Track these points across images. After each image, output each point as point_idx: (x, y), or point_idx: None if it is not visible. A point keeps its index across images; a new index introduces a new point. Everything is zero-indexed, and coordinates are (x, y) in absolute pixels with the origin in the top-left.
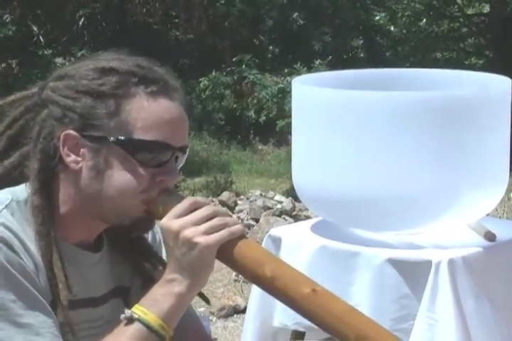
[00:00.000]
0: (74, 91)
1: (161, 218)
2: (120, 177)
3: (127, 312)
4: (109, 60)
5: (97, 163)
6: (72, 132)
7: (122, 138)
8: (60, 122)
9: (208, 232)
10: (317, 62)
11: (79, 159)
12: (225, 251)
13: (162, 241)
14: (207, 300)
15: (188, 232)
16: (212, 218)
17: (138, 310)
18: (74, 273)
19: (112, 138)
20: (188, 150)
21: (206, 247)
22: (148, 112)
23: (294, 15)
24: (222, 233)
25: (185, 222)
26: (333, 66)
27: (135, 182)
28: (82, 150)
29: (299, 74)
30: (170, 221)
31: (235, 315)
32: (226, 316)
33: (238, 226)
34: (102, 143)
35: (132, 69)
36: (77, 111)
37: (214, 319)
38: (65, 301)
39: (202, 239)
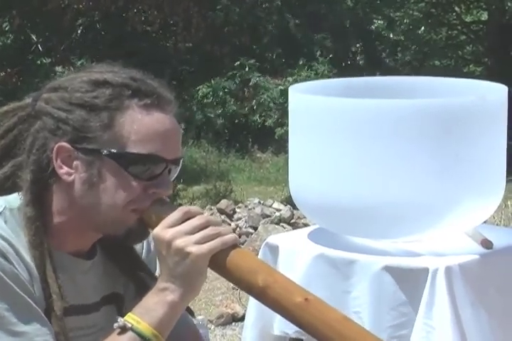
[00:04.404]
0: (67, 103)
1: (154, 227)
2: (113, 190)
3: (120, 320)
4: (102, 72)
5: (90, 176)
6: (65, 144)
7: (115, 151)
8: (54, 134)
9: (201, 242)
10: (318, 60)
11: (72, 171)
12: (218, 261)
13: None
14: (191, 312)
15: (180, 242)
16: (205, 227)
17: (131, 318)
18: (67, 281)
19: (105, 151)
20: (181, 161)
21: (198, 257)
22: (142, 125)
23: (292, 23)
24: (215, 242)
25: (178, 232)
26: (332, 66)
27: (127, 195)
28: (75, 162)
29: (300, 74)
30: (162, 230)
31: (234, 323)
32: (224, 324)
33: (231, 236)
34: (95, 156)
35: (126, 82)
36: (71, 124)
37: (212, 327)
38: (59, 311)
39: (194, 249)
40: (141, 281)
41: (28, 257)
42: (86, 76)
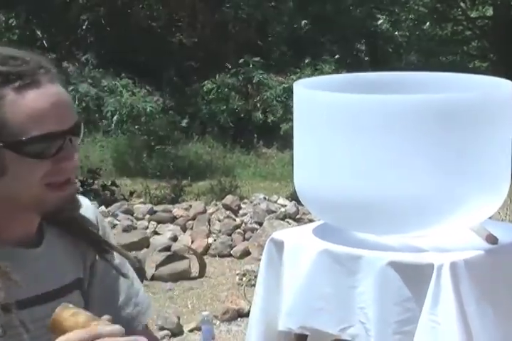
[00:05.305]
0: None
1: (55, 334)
2: (22, 174)
3: None
4: None
5: None
6: None
7: (8, 140)
8: None
9: None
10: (323, 59)
11: None
12: None
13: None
14: (143, 276)
15: None
16: None
17: None
18: (16, 272)
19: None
20: (81, 126)
21: None
22: (23, 108)
23: (303, 23)
24: None
25: None
26: (338, 65)
27: (37, 175)
28: None
29: (304, 73)
30: None
31: (239, 319)
32: (230, 320)
33: None
34: None
35: None
36: None
37: (218, 323)
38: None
39: None
40: (101, 248)
41: None
42: None
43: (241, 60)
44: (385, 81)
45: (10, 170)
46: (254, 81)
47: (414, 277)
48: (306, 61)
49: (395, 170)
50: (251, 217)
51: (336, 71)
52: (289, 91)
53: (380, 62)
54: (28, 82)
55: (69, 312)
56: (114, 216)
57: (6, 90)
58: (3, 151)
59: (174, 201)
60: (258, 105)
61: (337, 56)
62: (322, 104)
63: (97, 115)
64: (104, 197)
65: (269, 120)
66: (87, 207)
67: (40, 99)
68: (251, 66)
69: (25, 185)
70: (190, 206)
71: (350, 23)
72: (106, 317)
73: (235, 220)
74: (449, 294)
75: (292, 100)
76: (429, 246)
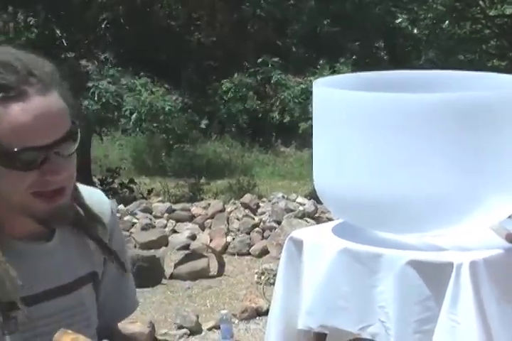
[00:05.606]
0: None
1: None
2: (8, 184)
3: None
4: None
5: None
6: None
7: None
8: None
9: None
10: (341, 60)
11: None
12: None
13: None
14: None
15: None
16: None
17: None
18: (27, 268)
19: None
20: (73, 138)
21: None
22: (5, 123)
23: (325, 22)
24: None
25: None
26: (355, 66)
27: (23, 185)
28: None
29: (322, 74)
30: None
31: (257, 318)
32: (248, 318)
33: None
34: None
35: None
36: None
37: (236, 321)
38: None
39: None
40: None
41: None
42: None
43: (259, 60)
44: (403, 79)
45: None
46: (272, 81)
47: (434, 276)
48: (324, 61)
49: (413, 168)
50: (269, 216)
51: (354, 68)
52: (306, 92)
53: (398, 60)
54: (13, 94)
55: (68, 338)
56: (133, 214)
57: None
58: None
59: (193, 199)
60: (275, 106)
61: (354, 57)
62: (341, 103)
63: (116, 113)
64: (123, 196)
65: (285, 120)
66: (102, 202)
67: (23, 113)
68: (269, 66)
69: (13, 191)
70: (209, 204)
71: (369, 20)
72: None
73: (253, 219)
74: (468, 293)
75: (310, 101)
76: (448, 245)
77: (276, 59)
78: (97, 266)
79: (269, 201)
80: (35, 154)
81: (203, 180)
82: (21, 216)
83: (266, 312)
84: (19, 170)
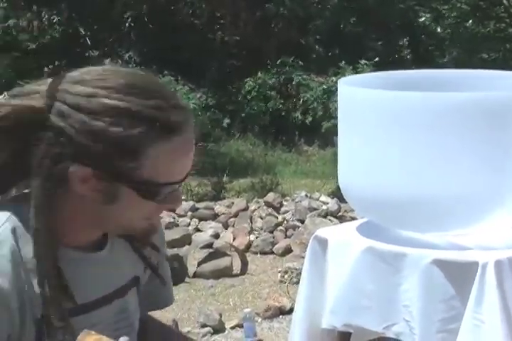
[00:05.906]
0: (88, 131)
1: None
2: (127, 209)
3: None
4: (122, 93)
5: (105, 197)
6: (84, 167)
7: (135, 180)
8: (71, 155)
9: None
10: (362, 62)
11: (87, 189)
12: None
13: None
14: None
15: None
16: None
17: None
18: (79, 277)
19: (123, 179)
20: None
21: None
22: (163, 157)
23: (350, 21)
24: None
25: None
26: (378, 67)
27: (140, 214)
28: (92, 181)
29: (344, 74)
30: None
31: (281, 316)
32: (272, 317)
33: None
34: (112, 181)
35: (153, 116)
36: (91, 152)
37: (260, 320)
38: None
39: None
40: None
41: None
42: (106, 97)
43: (282, 60)
44: (428, 78)
45: (119, 201)
46: (294, 81)
47: (459, 275)
48: (347, 61)
49: (440, 167)
50: (293, 215)
51: (377, 68)
52: (329, 93)
53: (422, 59)
54: (178, 129)
55: (91, 339)
56: None
57: (158, 138)
58: (122, 185)
59: (216, 198)
60: (298, 105)
61: (377, 59)
62: (366, 102)
63: None
64: None
65: (307, 121)
66: None
67: (180, 148)
68: (291, 66)
69: (124, 217)
70: (232, 203)
71: (392, 17)
72: (124, 338)
73: (276, 218)
74: (493, 292)
75: (332, 101)
76: (473, 244)
77: (297, 60)
78: (139, 270)
79: (293, 200)
80: (175, 187)
81: (226, 179)
82: (97, 229)
83: (289, 311)
84: (147, 198)
